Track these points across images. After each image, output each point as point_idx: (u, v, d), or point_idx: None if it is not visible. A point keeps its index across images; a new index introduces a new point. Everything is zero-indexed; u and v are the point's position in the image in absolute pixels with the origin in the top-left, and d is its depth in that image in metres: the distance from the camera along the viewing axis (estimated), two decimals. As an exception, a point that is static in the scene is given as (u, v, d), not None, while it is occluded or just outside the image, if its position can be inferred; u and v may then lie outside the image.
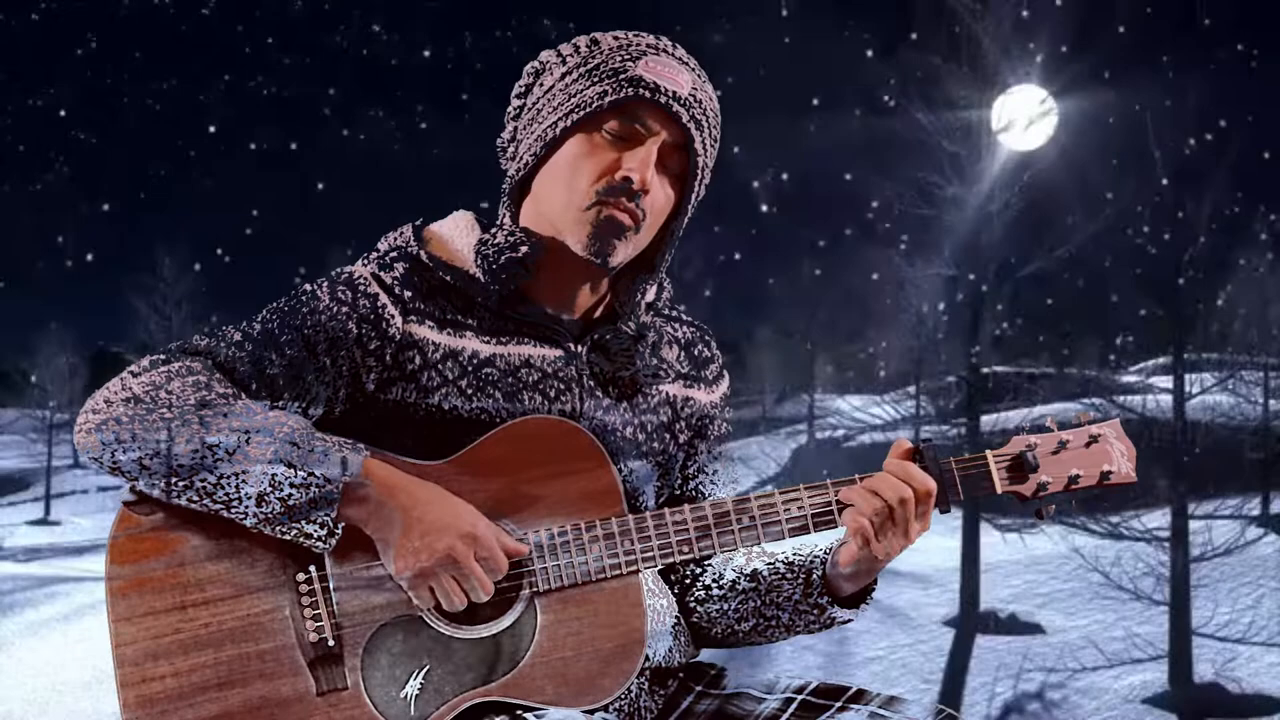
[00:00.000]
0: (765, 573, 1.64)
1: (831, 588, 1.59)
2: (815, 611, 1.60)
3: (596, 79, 1.51)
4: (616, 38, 1.54)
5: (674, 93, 1.51)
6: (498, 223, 1.60)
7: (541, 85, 1.56)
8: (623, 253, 1.53)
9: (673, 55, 1.54)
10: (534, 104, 1.55)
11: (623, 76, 1.50)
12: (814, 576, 1.60)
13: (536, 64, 1.58)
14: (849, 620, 1.62)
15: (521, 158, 1.55)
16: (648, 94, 1.50)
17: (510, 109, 1.60)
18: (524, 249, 1.53)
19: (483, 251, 1.54)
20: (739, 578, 1.66)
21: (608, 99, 1.50)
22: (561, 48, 1.57)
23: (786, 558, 1.64)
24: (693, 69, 1.55)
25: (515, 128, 1.59)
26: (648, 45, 1.53)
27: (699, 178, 1.56)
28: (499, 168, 1.63)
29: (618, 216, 1.51)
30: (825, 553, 1.60)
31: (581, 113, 1.50)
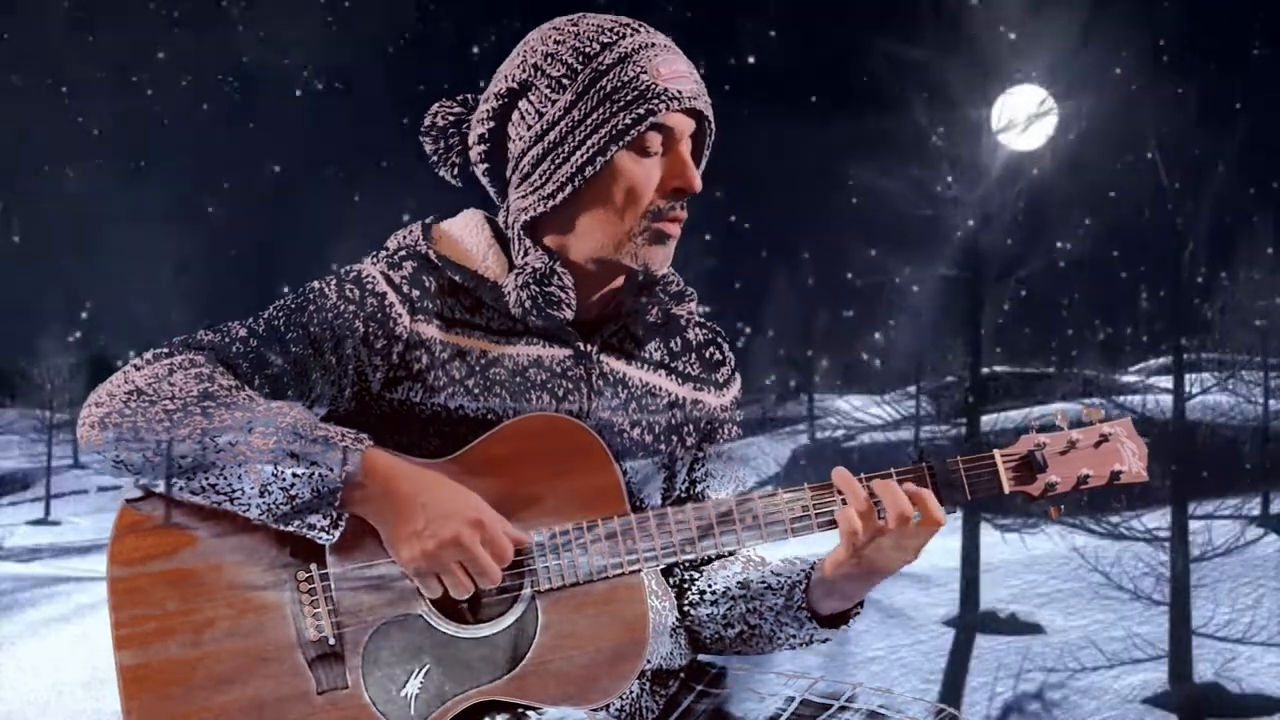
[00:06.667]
0: (754, 581, 1.64)
1: (813, 603, 1.58)
2: (795, 625, 1.60)
3: (622, 102, 1.49)
4: (601, 42, 1.51)
5: (692, 92, 1.52)
6: (524, 248, 1.56)
7: (536, 111, 1.52)
8: (671, 256, 1.57)
9: (661, 45, 1.53)
10: (536, 133, 1.52)
11: (651, 96, 1.49)
12: (796, 593, 1.59)
13: (512, 84, 1.53)
14: (826, 640, 1.61)
15: (553, 195, 1.52)
16: (677, 105, 1.50)
17: (481, 130, 1.56)
18: (567, 311, 1.53)
19: (521, 292, 1.53)
20: (730, 585, 1.66)
21: (643, 122, 1.49)
22: (540, 64, 1.52)
23: (776, 568, 1.64)
24: (675, 46, 1.55)
25: (489, 149, 1.56)
26: (641, 44, 1.51)
27: (708, 149, 1.60)
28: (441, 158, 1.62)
29: (668, 229, 1.54)
30: (812, 568, 1.59)
31: (619, 144, 1.49)
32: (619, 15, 1.55)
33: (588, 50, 1.51)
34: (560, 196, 1.52)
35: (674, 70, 1.51)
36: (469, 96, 1.62)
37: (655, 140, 1.51)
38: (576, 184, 1.51)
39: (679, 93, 1.50)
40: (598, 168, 1.50)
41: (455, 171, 1.62)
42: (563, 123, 1.50)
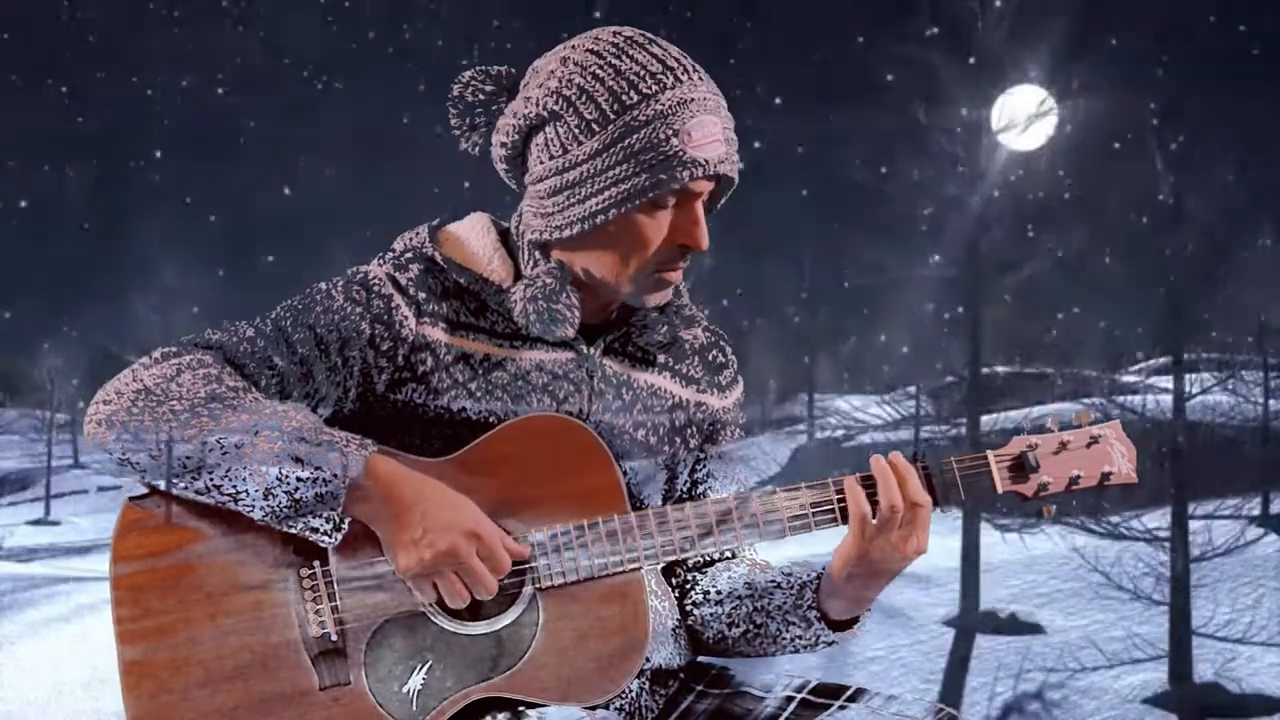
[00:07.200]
0: (761, 581, 1.64)
1: (823, 603, 1.58)
2: (803, 625, 1.59)
3: (644, 165, 1.46)
4: (641, 92, 1.47)
5: (719, 156, 1.49)
6: (533, 259, 1.56)
7: (561, 145, 1.49)
8: (671, 292, 1.58)
9: (701, 99, 1.49)
10: (556, 167, 1.50)
11: (676, 164, 1.46)
12: (806, 592, 1.59)
13: (542, 110, 1.50)
14: (833, 642, 1.61)
15: (561, 229, 1.52)
16: (700, 173, 1.48)
17: (504, 139, 1.54)
18: (569, 330, 1.53)
19: (528, 305, 1.53)
20: (736, 585, 1.66)
21: (664, 188, 1.47)
22: (573, 98, 1.48)
23: (785, 569, 1.64)
24: (715, 94, 1.51)
25: (510, 154, 1.55)
26: (680, 100, 1.47)
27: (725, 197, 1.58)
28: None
29: (669, 277, 1.54)
30: (823, 569, 1.59)
31: (635, 202, 1.48)
32: (669, 47, 1.51)
33: (625, 99, 1.47)
34: (567, 234, 1.51)
35: (706, 134, 1.48)
36: (503, 72, 1.58)
37: (669, 199, 1.50)
38: (585, 228, 1.50)
39: (705, 160, 1.48)
40: (610, 218, 1.49)
41: (476, 149, 1.61)
42: (584, 167, 1.48)
